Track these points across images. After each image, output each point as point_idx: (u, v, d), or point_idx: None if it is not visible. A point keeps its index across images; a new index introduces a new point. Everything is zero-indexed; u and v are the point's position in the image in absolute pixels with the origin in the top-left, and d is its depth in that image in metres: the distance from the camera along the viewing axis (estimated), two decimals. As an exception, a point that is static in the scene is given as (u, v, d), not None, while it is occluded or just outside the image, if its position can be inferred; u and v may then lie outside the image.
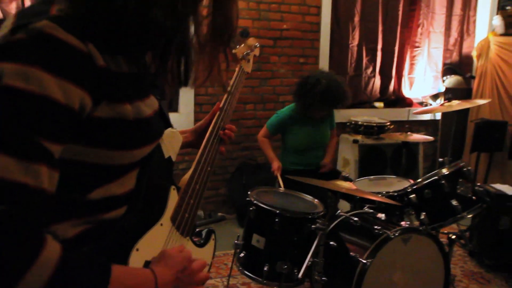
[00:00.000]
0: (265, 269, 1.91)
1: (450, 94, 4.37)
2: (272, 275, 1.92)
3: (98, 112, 0.63)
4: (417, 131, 4.34)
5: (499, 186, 2.97)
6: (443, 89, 4.49)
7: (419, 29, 4.33)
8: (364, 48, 4.06)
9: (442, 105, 2.43)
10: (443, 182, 2.03)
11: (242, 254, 2.02)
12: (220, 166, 3.56)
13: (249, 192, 2.10)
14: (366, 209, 2.18)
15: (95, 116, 0.63)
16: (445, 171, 2.10)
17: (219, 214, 3.59)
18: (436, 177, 2.07)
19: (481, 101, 3.04)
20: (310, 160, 2.68)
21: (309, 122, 2.68)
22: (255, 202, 2.01)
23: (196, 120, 3.40)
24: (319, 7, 3.74)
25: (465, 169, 2.11)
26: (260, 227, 1.99)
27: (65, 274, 0.55)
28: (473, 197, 2.05)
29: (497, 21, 4.38)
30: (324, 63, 3.80)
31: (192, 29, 0.69)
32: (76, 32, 0.60)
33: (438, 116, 4.51)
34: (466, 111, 4.51)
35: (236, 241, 2.05)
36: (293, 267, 1.90)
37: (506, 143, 3.91)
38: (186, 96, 3.39)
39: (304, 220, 1.95)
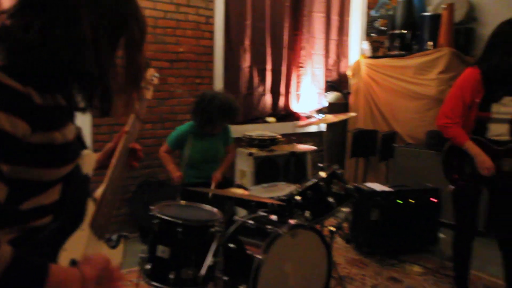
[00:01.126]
0: (171, 277, 2.02)
1: (331, 108, 4.99)
2: (178, 281, 2.04)
3: (34, 138, 0.80)
4: (305, 142, 4.86)
5: (370, 184, 3.53)
6: (326, 104, 5.09)
7: (303, 52, 4.88)
8: (255, 68, 4.46)
9: (321, 119, 2.86)
10: (321, 183, 2.43)
11: (148, 266, 2.11)
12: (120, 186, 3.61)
13: (152, 207, 2.21)
14: (260, 213, 2.48)
15: (32, 142, 0.80)
16: (322, 174, 2.50)
17: (123, 233, 3.63)
18: (316, 180, 2.47)
19: (352, 114, 3.58)
20: (207, 173, 2.91)
21: (204, 138, 2.91)
22: (158, 215, 2.14)
23: (94, 140, 3.44)
24: (212, 32, 4.04)
25: (338, 171, 2.54)
26: (164, 238, 2.10)
27: (16, 270, 0.71)
28: (345, 194, 2.47)
29: (366, 45, 5.14)
30: (218, 83, 4.10)
31: (112, 75, 0.90)
32: (17, 78, 0.77)
33: (323, 127, 5.10)
34: (345, 122, 5.18)
35: (141, 255, 2.13)
36: (197, 272, 2.08)
37: (377, 148, 4.58)
38: (82, 119, 3.40)
39: (204, 227, 2.13)
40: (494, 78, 2.31)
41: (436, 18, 4.48)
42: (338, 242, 3.60)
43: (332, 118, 3.05)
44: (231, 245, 2.22)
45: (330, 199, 2.40)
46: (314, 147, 3.22)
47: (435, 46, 4.44)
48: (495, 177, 2.36)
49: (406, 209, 3.38)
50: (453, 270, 2.74)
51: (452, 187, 2.56)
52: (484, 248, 3.03)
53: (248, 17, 4.31)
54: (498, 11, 4.38)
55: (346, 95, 5.24)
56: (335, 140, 5.21)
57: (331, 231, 2.43)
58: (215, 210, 2.33)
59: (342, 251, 3.50)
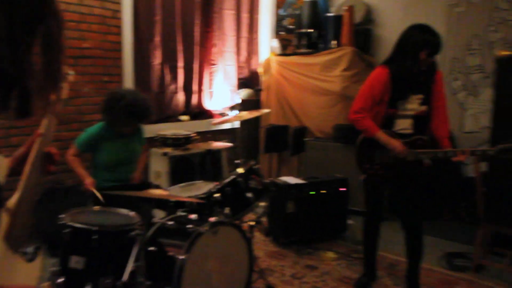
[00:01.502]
0: (88, 288, 1.93)
1: (244, 105, 5.06)
2: (96, 292, 1.96)
3: None
4: (220, 139, 4.87)
5: (284, 178, 3.66)
6: (239, 101, 5.15)
7: (214, 49, 4.88)
8: (166, 66, 4.35)
9: (235, 116, 2.88)
10: (239, 179, 2.46)
11: (60, 280, 1.96)
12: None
13: (61, 216, 2.07)
14: (179, 213, 2.43)
15: None
16: (240, 170, 2.54)
17: (38, 245, 3.32)
18: (233, 176, 2.49)
19: (265, 110, 3.66)
20: (122, 176, 2.77)
21: (118, 139, 2.76)
22: (69, 223, 2.00)
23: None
24: (119, 27, 3.85)
25: (254, 167, 2.59)
26: (78, 247, 1.98)
27: None
28: (262, 189, 2.54)
29: (275, 43, 5.30)
30: (128, 81, 3.93)
31: (30, 74, 0.81)
32: None
33: (237, 124, 5.16)
34: (258, 118, 5.29)
35: (51, 269, 1.99)
36: (116, 280, 1.98)
37: (289, 143, 4.74)
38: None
39: (121, 232, 2.04)
40: (401, 78, 2.50)
41: (338, 19, 4.78)
42: (258, 236, 3.69)
43: (246, 115, 3.10)
44: (152, 248, 2.15)
45: (249, 195, 2.45)
46: (229, 144, 3.23)
47: (338, 45, 4.74)
48: (400, 166, 2.59)
49: (318, 199, 3.57)
50: (363, 253, 2.96)
51: (363, 176, 2.74)
52: (387, 230, 3.31)
53: (157, 13, 4.18)
54: (393, 14, 4.81)
55: (258, 91, 5.35)
56: (249, 136, 5.31)
57: (250, 226, 2.47)
58: (132, 213, 2.24)
59: (261, 244, 3.58)
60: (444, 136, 2.60)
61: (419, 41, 2.41)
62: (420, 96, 2.56)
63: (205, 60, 4.81)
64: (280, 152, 4.91)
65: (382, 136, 2.56)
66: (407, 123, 2.58)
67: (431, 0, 4.52)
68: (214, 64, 4.90)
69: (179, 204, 2.48)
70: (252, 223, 2.47)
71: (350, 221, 3.80)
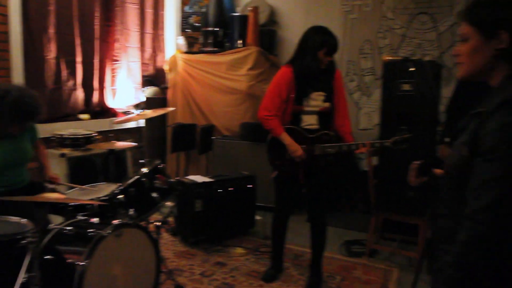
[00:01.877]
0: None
1: (149, 103, 4.91)
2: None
3: None
4: (124, 139, 4.67)
5: (192, 177, 3.63)
6: (143, 99, 4.98)
7: (117, 44, 4.65)
8: (62, 60, 4.03)
9: (139, 114, 2.78)
10: (143, 179, 2.38)
11: None
12: None
13: None
14: (79, 217, 2.28)
15: None
16: (144, 170, 2.46)
17: None
18: (138, 176, 2.40)
19: (170, 109, 3.59)
20: (12, 180, 2.50)
21: (4, 140, 2.48)
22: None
23: None
24: (5, 16, 3.48)
25: (160, 166, 2.53)
26: None
27: None
28: (168, 188, 2.49)
29: (181, 40, 5.22)
30: (18, 76, 3.56)
31: None
32: None
33: (143, 123, 4.98)
34: (164, 117, 5.17)
35: None
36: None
37: (197, 141, 4.72)
38: None
39: (12, 241, 1.86)
40: (303, 76, 2.65)
41: (244, 18, 4.87)
42: (165, 237, 3.61)
43: (151, 113, 3.00)
44: (48, 257, 1.98)
45: (154, 195, 2.38)
46: (133, 144, 3.11)
47: (244, 44, 4.82)
48: (308, 160, 2.72)
49: (226, 197, 3.60)
50: (271, 247, 3.05)
51: (275, 173, 2.82)
52: (292, 222, 3.44)
53: (51, 2, 3.85)
54: (295, 17, 5.04)
55: (164, 89, 5.23)
56: (155, 136, 5.16)
57: (157, 226, 2.41)
58: (24, 220, 2.04)
59: (169, 245, 3.51)
60: (347, 132, 2.81)
61: (318, 41, 2.58)
62: (322, 93, 2.73)
63: (107, 56, 4.56)
64: (187, 151, 4.85)
65: (285, 138, 2.68)
66: (313, 118, 2.73)
67: (329, 5, 4.83)
68: (116, 60, 4.67)
69: (79, 208, 2.33)
70: (158, 223, 2.40)
71: (258, 217, 3.91)
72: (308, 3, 4.95)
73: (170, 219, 2.74)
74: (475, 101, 1.15)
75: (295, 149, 2.66)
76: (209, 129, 4.78)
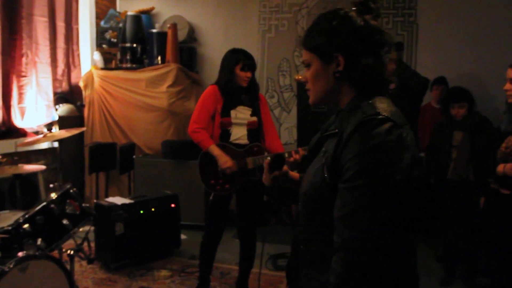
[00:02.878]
0: None
1: (63, 122, 4.62)
2: None
3: None
4: (36, 161, 4.34)
5: (111, 199, 3.46)
6: (56, 118, 4.67)
7: (24, 59, 4.31)
8: (-41, 77, 3.66)
9: (46, 135, 2.59)
10: (52, 206, 2.21)
11: None
12: None
13: None
14: (-23, 251, 2.05)
15: None
16: (53, 195, 2.28)
17: None
18: (45, 203, 2.23)
19: (82, 128, 3.35)
20: None
21: None
22: None
23: None
24: None
25: (71, 190, 2.37)
26: None
27: None
28: (80, 213, 2.33)
29: (97, 56, 5.00)
30: None
31: None
32: None
33: (57, 143, 4.66)
34: (81, 136, 4.89)
35: None
36: None
37: (117, 161, 4.51)
38: None
39: None
40: (228, 91, 2.75)
41: (162, 35, 4.81)
42: (84, 264, 3.38)
43: (63, 133, 2.83)
44: None
45: (65, 221, 2.22)
46: (42, 166, 2.88)
47: (163, 61, 4.75)
48: (242, 175, 2.71)
49: (149, 218, 3.47)
50: (199, 267, 2.97)
51: (213, 194, 2.76)
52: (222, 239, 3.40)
53: None
54: (214, 35, 5.08)
55: (80, 107, 4.96)
56: (71, 156, 4.85)
57: (69, 255, 2.24)
58: None
59: (88, 273, 3.29)
60: (279, 149, 2.86)
61: (233, 58, 2.76)
62: (249, 108, 2.81)
63: (13, 71, 4.22)
64: (107, 171, 4.62)
65: (214, 149, 2.68)
66: (242, 132, 2.77)
67: (247, 24, 4.94)
68: (24, 76, 4.33)
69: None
70: (71, 251, 2.24)
71: (183, 236, 3.81)
72: (227, 21, 5.03)
73: (85, 245, 2.56)
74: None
75: (225, 160, 2.65)
76: (130, 148, 4.61)
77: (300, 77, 2.62)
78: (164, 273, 3.28)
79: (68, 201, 2.27)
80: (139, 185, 4.39)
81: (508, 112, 2.35)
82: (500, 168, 2.32)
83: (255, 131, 2.83)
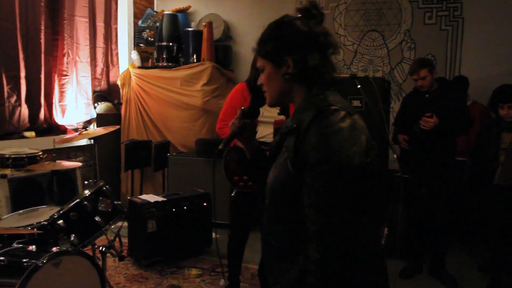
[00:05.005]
0: None
1: (101, 119, 4.73)
2: None
3: None
4: (75, 157, 4.47)
5: (144, 196, 3.50)
6: (95, 115, 4.80)
7: (65, 58, 4.45)
8: (4, 75, 3.81)
9: (81, 133, 2.64)
10: (85, 203, 2.24)
11: None
12: None
13: None
14: (14, 245, 2.11)
15: None
16: (87, 192, 2.32)
17: None
18: (78, 200, 2.26)
19: (116, 127, 3.37)
20: None
21: None
22: None
23: None
24: None
25: (104, 188, 2.40)
26: None
27: None
28: (112, 211, 2.35)
29: (135, 55, 5.10)
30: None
31: None
32: None
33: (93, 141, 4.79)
34: (118, 134, 5.00)
35: None
36: None
37: (152, 158, 4.58)
38: None
39: None
40: (256, 89, 2.67)
41: (198, 34, 4.82)
42: (117, 260, 3.44)
43: (97, 131, 2.88)
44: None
45: (97, 218, 2.25)
46: (79, 163, 2.95)
47: (198, 60, 4.77)
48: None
49: (180, 216, 3.49)
50: (227, 267, 2.96)
51: (234, 191, 2.73)
52: (250, 239, 3.37)
53: (-10, 15, 3.65)
54: (250, 33, 5.04)
55: (117, 105, 5.07)
56: (108, 153, 4.98)
57: (101, 252, 2.27)
58: None
59: (121, 268, 3.35)
60: None
61: None
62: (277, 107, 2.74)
63: (54, 71, 4.36)
64: (142, 169, 4.70)
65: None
66: (268, 131, 2.71)
67: (283, 21, 4.86)
68: (65, 75, 4.47)
69: (15, 235, 2.16)
70: (103, 248, 2.27)
71: (215, 235, 3.81)
72: (263, 19, 4.90)
73: (117, 242, 2.59)
74: None
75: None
76: (164, 146, 4.66)
77: (336, 74, 2.51)
78: (194, 271, 3.28)
79: (101, 198, 2.30)
80: (172, 183, 4.43)
81: None
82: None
83: None
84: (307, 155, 1.04)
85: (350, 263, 1.02)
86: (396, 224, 3.36)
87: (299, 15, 1.18)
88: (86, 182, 2.41)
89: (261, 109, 2.73)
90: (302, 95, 1.18)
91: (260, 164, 1.36)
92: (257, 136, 2.73)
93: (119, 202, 2.42)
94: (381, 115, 2.37)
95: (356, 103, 2.95)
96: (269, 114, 2.75)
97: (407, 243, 3.33)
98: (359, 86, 2.13)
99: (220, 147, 1.45)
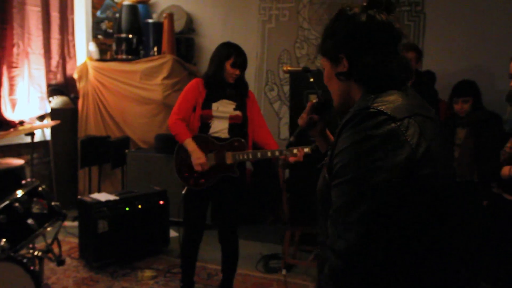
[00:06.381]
0: None
1: (56, 114, 4.51)
2: None
3: None
4: (25, 154, 4.23)
5: (96, 195, 3.33)
6: (49, 110, 4.56)
7: (15, 49, 4.20)
8: None
9: (18, 128, 2.46)
10: (16, 204, 2.07)
11: None
12: None
13: None
14: None
15: None
16: (18, 193, 2.15)
17: None
18: (8, 202, 2.09)
19: (52, 123, 3.16)
20: None
21: None
22: None
23: None
24: None
25: (40, 188, 2.24)
26: None
27: None
28: (48, 212, 2.19)
29: (93, 47, 4.88)
30: None
31: None
32: None
33: (49, 136, 4.57)
34: (75, 129, 4.79)
35: None
36: None
37: (110, 155, 4.38)
38: None
39: None
40: (211, 84, 2.64)
41: (159, 26, 4.65)
42: (68, 262, 3.28)
43: (36, 126, 2.70)
44: None
45: (30, 221, 2.08)
46: (21, 161, 2.76)
47: (159, 52, 4.60)
48: (219, 170, 2.57)
49: (135, 215, 3.34)
50: (181, 267, 2.85)
51: (185, 188, 2.64)
52: (206, 238, 3.26)
53: None
54: (213, 25, 4.91)
55: (74, 99, 4.85)
56: (65, 150, 4.76)
57: (38, 257, 2.11)
58: None
59: (71, 272, 3.18)
60: (271, 147, 2.68)
61: (224, 52, 2.64)
62: (233, 102, 2.66)
63: (3, 62, 4.11)
64: (100, 166, 4.50)
65: (189, 144, 2.58)
66: (223, 126, 2.63)
67: (247, 14, 4.75)
68: (16, 67, 4.22)
69: None
70: (39, 252, 2.11)
71: (173, 234, 3.68)
72: (226, 11, 4.84)
73: (55, 246, 2.43)
74: None
75: (198, 156, 2.54)
76: (124, 142, 4.48)
77: (288, 67, 2.43)
78: (148, 273, 3.14)
79: (35, 199, 2.13)
80: (131, 180, 4.26)
81: None
82: (505, 171, 2.11)
83: (238, 126, 2.67)
84: (334, 162, 0.96)
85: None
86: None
87: (364, 4, 1.07)
88: (23, 182, 2.23)
89: (216, 104, 2.65)
90: (359, 96, 1.05)
91: None
92: (211, 131, 2.63)
93: (57, 203, 2.26)
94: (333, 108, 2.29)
95: (313, 97, 2.88)
96: (224, 109, 2.65)
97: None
98: (312, 80, 2.04)
99: (291, 139, 1.42)
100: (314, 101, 1.32)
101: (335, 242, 0.91)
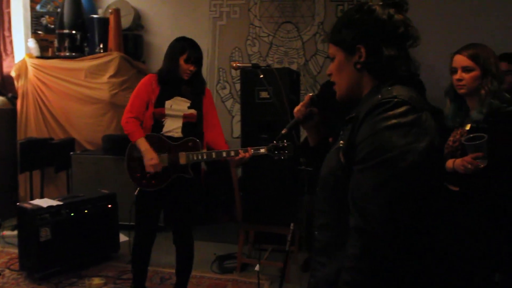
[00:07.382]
0: None
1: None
2: None
3: None
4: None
5: (37, 201, 3.12)
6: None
7: None
8: None
9: None
10: None
11: None
12: None
13: None
14: None
15: None
16: None
17: None
18: None
19: None
20: None
21: None
22: None
23: None
24: None
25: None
26: None
27: None
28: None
29: (32, 43, 4.58)
30: None
31: None
32: None
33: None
34: (13, 131, 4.49)
35: None
36: None
37: (54, 158, 4.12)
38: None
39: None
40: (165, 81, 2.55)
41: (105, 21, 4.45)
42: (7, 275, 3.05)
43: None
44: None
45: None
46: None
47: (105, 50, 4.40)
48: (173, 171, 2.48)
49: (81, 220, 3.16)
50: (132, 273, 2.73)
51: (137, 189, 2.54)
52: (158, 240, 3.15)
53: None
54: (163, 22, 4.77)
55: (12, 99, 4.54)
56: (3, 153, 4.44)
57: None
58: None
59: (10, 285, 2.96)
60: (222, 146, 2.63)
61: (178, 47, 2.55)
62: (187, 100, 2.59)
63: None
64: (43, 170, 4.24)
65: (142, 144, 2.48)
66: (176, 125, 2.54)
67: (197, 11, 4.66)
68: None
69: None
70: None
71: (123, 238, 3.52)
72: (176, 7, 4.72)
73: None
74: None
75: (151, 157, 2.44)
76: (68, 144, 4.25)
77: (238, 64, 2.39)
78: (96, 281, 2.98)
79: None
80: (77, 184, 4.05)
81: (454, 106, 2.21)
82: (449, 163, 2.18)
83: (193, 125, 2.58)
84: (358, 147, 0.98)
85: (392, 268, 0.94)
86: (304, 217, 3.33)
87: (380, 2, 1.10)
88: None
89: (170, 102, 2.55)
90: (369, 88, 1.09)
91: (322, 155, 1.24)
92: (164, 130, 2.54)
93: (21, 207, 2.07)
94: (283, 105, 2.28)
95: (264, 94, 2.86)
96: (178, 107, 2.57)
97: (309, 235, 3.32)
98: (261, 76, 2.01)
99: (283, 131, 1.37)
100: (312, 94, 1.33)
101: (364, 223, 0.94)
